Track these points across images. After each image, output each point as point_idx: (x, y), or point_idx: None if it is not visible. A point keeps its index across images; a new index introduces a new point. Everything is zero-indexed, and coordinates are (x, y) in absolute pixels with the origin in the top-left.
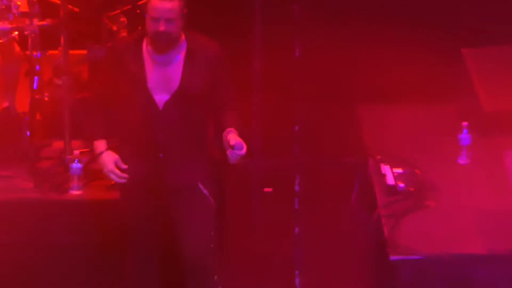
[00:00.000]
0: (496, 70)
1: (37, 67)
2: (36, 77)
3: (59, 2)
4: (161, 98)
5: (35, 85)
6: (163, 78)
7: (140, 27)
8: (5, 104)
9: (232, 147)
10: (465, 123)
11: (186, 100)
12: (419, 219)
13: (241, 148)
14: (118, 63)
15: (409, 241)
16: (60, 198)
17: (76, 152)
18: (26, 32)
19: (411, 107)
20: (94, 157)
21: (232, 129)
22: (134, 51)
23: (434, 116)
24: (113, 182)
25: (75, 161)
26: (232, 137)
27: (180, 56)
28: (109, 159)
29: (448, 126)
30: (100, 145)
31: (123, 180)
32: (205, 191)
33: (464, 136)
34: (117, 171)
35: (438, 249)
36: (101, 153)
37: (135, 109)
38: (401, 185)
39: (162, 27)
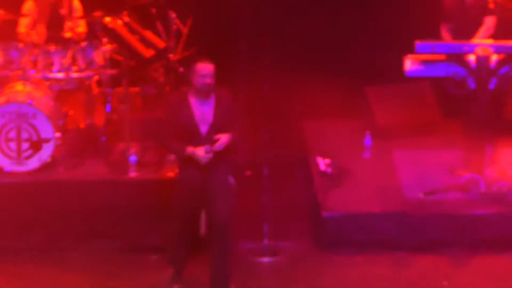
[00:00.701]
0: (386, 100)
1: (109, 98)
2: (108, 104)
3: (121, 59)
4: (203, 128)
5: (108, 109)
6: (203, 115)
7: (183, 87)
8: (89, 121)
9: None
10: (367, 132)
11: (217, 128)
12: (339, 191)
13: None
14: (176, 108)
15: (333, 205)
16: (123, 178)
17: (132, 150)
18: (102, 77)
19: (335, 121)
20: (191, 154)
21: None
22: (184, 100)
23: (349, 127)
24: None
25: (132, 155)
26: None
27: (211, 101)
28: (200, 151)
29: (357, 134)
30: (189, 148)
31: (207, 159)
32: (232, 181)
33: (367, 140)
34: (205, 156)
35: (351, 209)
36: (193, 151)
37: (189, 134)
38: (329, 170)
39: (208, 80)
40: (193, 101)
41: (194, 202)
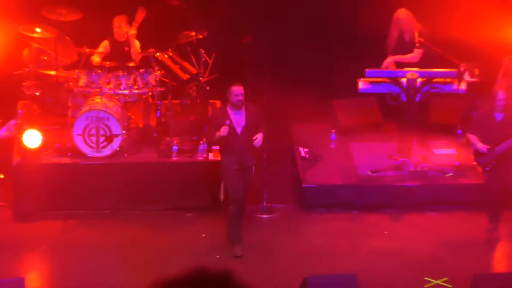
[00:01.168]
0: (346, 108)
1: (159, 107)
2: (158, 111)
3: (167, 81)
4: (238, 129)
5: (158, 114)
6: (237, 120)
7: (224, 104)
8: (145, 123)
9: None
10: (333, 130)
11: (248, 129)
12: (314, 169)
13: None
14: (220, 117)
15: (310, 179)
16: (168, 161)
17: (174, 142)
18: (154, 93)
19: (312, 123)
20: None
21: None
22: (225, 111)
23: (321, 127)
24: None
25: (174, 146)
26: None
27: (242, 111)
28: (223, 130)
29: (327, 131)
30: (218, 133)
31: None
32: (253, 169)
33: (333, 136)
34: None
35: (322, 182)
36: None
37: (229, 134)
38: (307, 156)
39: (240, 98)
40: (230, 112)
41: (236, 180)
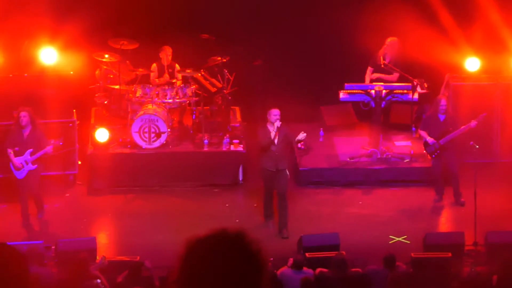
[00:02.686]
0: (330, 112)
1: (194, 112)
2: (193, 115)
3: (200, 92)
4: (275, 141)
5: (193, 117)
6: (276, 134)
7: (264, 123)
8: (184, 124)
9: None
10: (321, 128)
11: (282, 141)
12: (307, 157)
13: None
14: (263, 132)
15: (304, 164)
16: (201, 150)
17: (205, 137)
18: (190, 102)
19: (303, 124)
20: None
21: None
22: (265, 128)
23: (312, 126)
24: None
25: (205, 140)
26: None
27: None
28: (301, 136)
29: (316, 129)
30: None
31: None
32: (288, 172)
33: (321, 132)
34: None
35: (313, 166)
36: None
37: (268, 144)
38: (302, 147)
39: (278, 117)
40: (270, 128)
41: (271, 179)
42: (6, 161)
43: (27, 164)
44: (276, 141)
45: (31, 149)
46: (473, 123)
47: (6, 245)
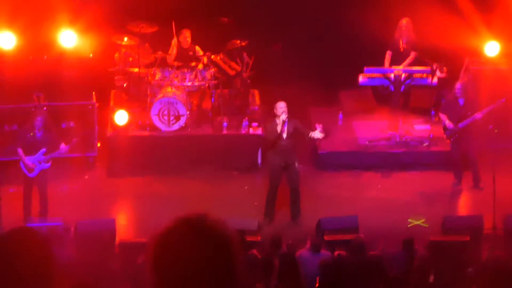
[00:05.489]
0: (349, 97)
1: (213, 95)
2: (213, 98)
3: (219, 76)
4: (284, 135)
5: (212, 100)
6: (283, 129)
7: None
8: (203, 106)
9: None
10: (340, 112)
11: (290, 135)
12: (327, 141)
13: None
14: (270, 126)
15: (323, 147)
16: (219, 133)
17: (224, 120)
18: (210, 85)
19: (324, 108)
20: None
21: (312, 131)
22: (274, 122)
23: (332, 110)
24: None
25: (224, 123)
26: (316, 133)
27: (286, 121)
28: (317, 134)
29: (336, 113)
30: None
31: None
32: (298, 165)
33: (340, 116)
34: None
35: (331, 149)
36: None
37: (276, 139)
38: (321, 130)
39: (284, 110)
40: (278, 121)
41: (278, 175)
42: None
43: (40, 163)
44: (284, 135)
45: (44, 149)
46: (478, 115)
47: (28, 229)
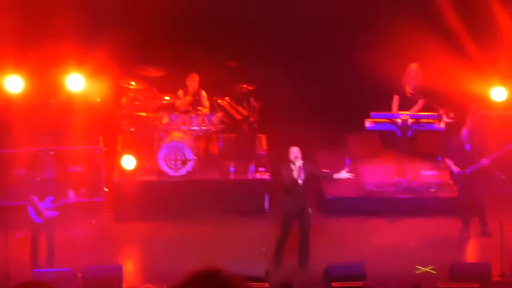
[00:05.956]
0: (357, 141)
1: (220, 139)
2: (219, 142)
3: (226, 120)
4: (300, 181)
5: (219, 144)
6: (298, 174)
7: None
8: (210, 151)
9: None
10: (347, 157)
11: (306, 180)
12: (333, 185)
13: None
14: (285, 170)
15: (330, 192)
16: (226, 179)
17: (231, 165)
18: (216, 129)
19: (328, 151)
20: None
21: (334, 172)
22: (288, 167)
23: (338, 154)
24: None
25: (231, 167)
26: (343, 173)
27: (301, 166)
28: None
29: (341, 157)
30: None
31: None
32: (310, 210)
33: (347, 161)
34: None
35: (339, 195)
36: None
37: (292, 184)
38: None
39: (297, 155)
40: (293, 167)
41: (291, 220)
42: (23, 188)
43: (47, 211)
44: (300, 181)
45: (52, 197)
46: (485, 161)
47: (38, 283)
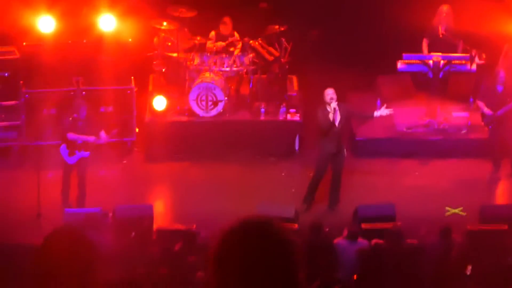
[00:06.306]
0: (388, 82)
1: (251, 80)
2: (251, 83)
3: (257, 61)
4: (336, 122)
5: (251, 85)
6: (335, 116)
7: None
8: (241, 91)
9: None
10: (378, 99)
11: (342, 122)
12: (364, 126)
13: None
14: (322, 112)
15: (361, 133)
16: (257, 119)
17: (262, 105)
18: (248, 70)
19: (363, 93)
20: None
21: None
22: (325, 109)
23: (369, 96)
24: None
25: (262, 108)
26: (383, 110)
27: (336, 107)
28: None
29: (373, 99)
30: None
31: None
32: (345, 152)
33: (378, 102)
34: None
35: (370, 136)
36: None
37: (329, 125)
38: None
39: (333, 96)
40: (329, 109)
41: (327, 162)
42: (55, 128)
43: (79, 151)
44: (336, 122)
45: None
46: None
47: (70, 228)
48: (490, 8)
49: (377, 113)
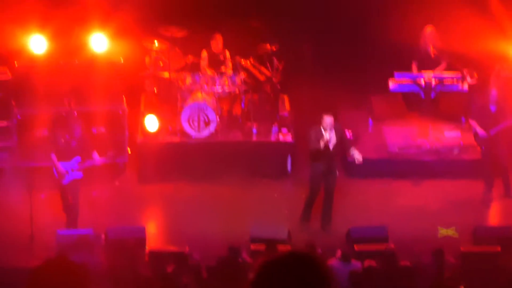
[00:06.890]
0: (380, 102)
1: (243, 99)
2: (242, 102)
3: (249, 81)
4: (330, 145)
5: (242, 105)
6: (330, 139)
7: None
8: (232, 112)
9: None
10: (370, 118)
11: (336, 144)
12: (356, 147)
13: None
14: (315, 135)
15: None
16: (249, 140)
17: (254, 126)
18: (239, 90)
19: (351, 112)
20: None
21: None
22: (319, 131)
23: (361, 114)
24: None
25: (254, 129)
26: (356, 153)
27: (332, 130)
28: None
29: (365, 118)
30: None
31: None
32: (337, 172)
33: (370, 122)
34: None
35: (363, 155)
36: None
37: (325, 148)
38: (350, 136)
39: (330, 124)
40: (323, 132)
41: (320, 182)
42: (47, 149)
43: (72, 171)
44: (330, 145)
45: (79, 158)
46: (510, 122)
47: (63, 259)
48: (481, 27)
49: (352, 150)
